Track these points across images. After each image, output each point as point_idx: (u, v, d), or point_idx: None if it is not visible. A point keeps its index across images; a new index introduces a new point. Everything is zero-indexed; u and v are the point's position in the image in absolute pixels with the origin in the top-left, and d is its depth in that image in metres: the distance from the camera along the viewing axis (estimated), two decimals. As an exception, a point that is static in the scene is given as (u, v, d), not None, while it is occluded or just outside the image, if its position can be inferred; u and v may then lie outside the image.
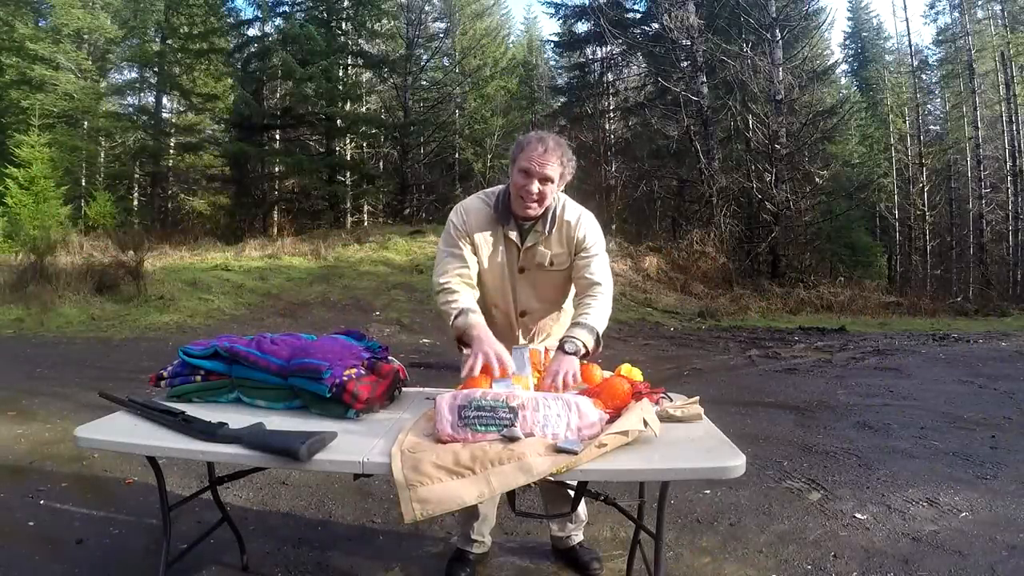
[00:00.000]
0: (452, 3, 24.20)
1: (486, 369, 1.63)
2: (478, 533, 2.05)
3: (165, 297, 8.87)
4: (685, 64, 15.22)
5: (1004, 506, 2.62)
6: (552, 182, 1.74)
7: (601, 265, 1.84)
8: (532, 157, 1.71)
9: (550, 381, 1.58)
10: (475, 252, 1.83)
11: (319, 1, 17.83)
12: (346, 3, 17.88)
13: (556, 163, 1.72)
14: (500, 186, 1.92)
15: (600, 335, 1.72)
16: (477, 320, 1.70)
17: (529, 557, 2.18)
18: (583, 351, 1.67)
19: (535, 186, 1.72)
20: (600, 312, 1.75)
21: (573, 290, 1.95)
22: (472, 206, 1.87)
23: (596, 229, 1.88)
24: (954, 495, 2.73)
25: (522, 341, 1.92)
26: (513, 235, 1.83)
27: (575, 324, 1.72)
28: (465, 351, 1.72)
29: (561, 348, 1.67)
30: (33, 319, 7.91)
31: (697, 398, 1.68)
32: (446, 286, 1.78)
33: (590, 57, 19.91)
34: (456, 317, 1.72)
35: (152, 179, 19.73)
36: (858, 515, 2.53)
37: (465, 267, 1.80)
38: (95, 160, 19.07)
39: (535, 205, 1.75)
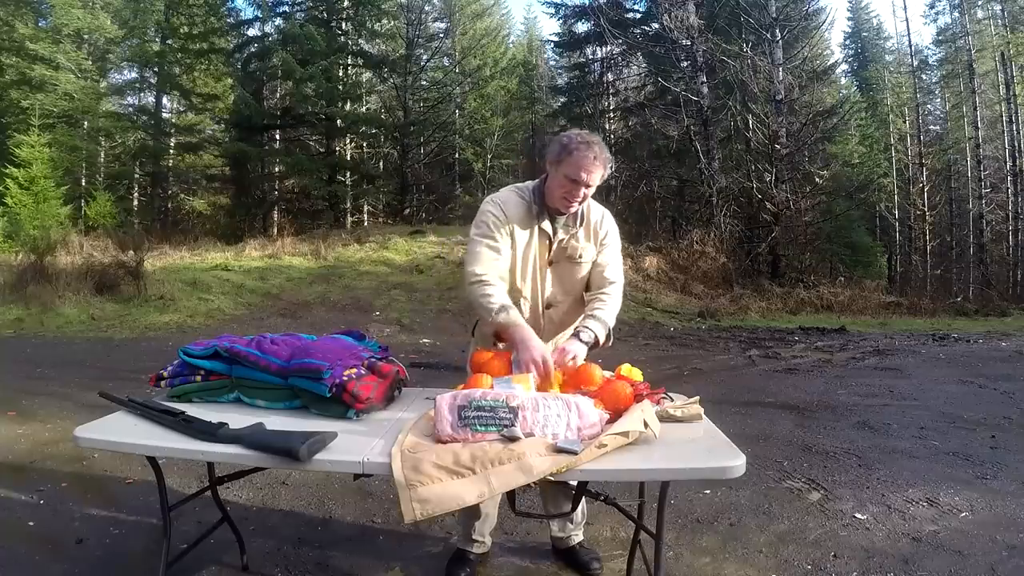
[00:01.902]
0: (452, 3, 24.21)
1: (489, 367, 1.67)
2: (479, 533, 2.05)
3: (165, 297, 8.87)
4: (685, 64, 15.21)
5: (1004, 506, 2.62)
6: (595, 186, 1.80)
7: (617, 263, 1.96)
8: (582, 165, 1.73)
9: (556, 356, 1.71)
10: (512, 243, 1.86)
11: (319, 1, 17.83)
12: (346, 3, 17.89)
13: (601, 169, 1.77)
14: (530, 182, 1.95)
15: (611, 330, 1.86)
16: (519, 319, 1.74)
17: (529, 557, 2.18)
18: (593, 342, 1.80)
19: (582, 191, 1.77)
20: (612, 308, 1.88)
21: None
22: (509, 198, 1.88)
23: (616, 228, 1.98)
24: (954, 495, 2.73)
25: (548, 332, 1.93)
26: (547, 228, 1.87)
27: (589, 316, 1.85)
28: (500, 345, 1.81)
29: (576, 336, 1.81)
30: (33, 319, 7.92)
31: (697, 398, 1.68)
32: (482, 278, 1.78)
33: (590, 57, 19.92)
34: (498, 313, 1.73)
35: (152, 179, 19.74)
36: (858, 515, 2.53)
37: (499, 259, 1.82)
38: (95, 160, 19.08)
39: (577, 205, 1.82)
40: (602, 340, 1.82)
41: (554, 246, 1.88)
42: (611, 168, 1.82)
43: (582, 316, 1.89)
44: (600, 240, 1.93)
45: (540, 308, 1.92)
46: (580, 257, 1.90)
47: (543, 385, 1.64)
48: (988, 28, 20.49)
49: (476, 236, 1.84)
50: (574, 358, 1.73)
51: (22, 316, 8.00)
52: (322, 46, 15.89)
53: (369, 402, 1.61)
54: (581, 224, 1.89)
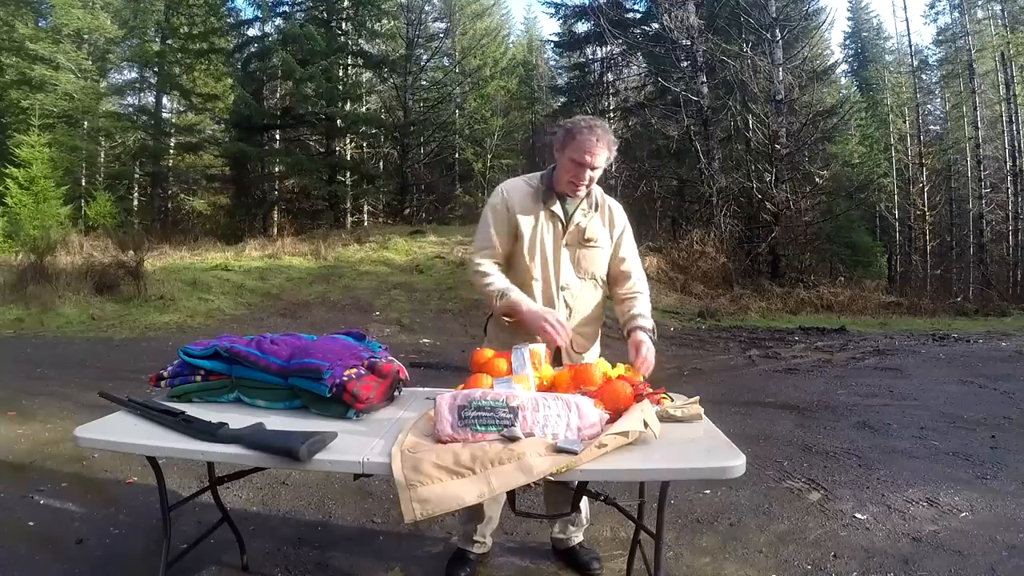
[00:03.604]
0: (452, 3, 24.21)
1: (489, 368, 1.68)
2: (480, 534, 2.05)
3: (165, 297, 8.87)
4: (685, 64, 15.19)
5: (1004, 506, 2.62)
6: (600, 168, 1.86)
7: (637, 256, 2.04)
8: (586, 148, 1.80)
9: (643, 355, 1.80)
10: (516, 228, 1.91)
11: (319, 1, 17.83)
12: (346, 3, 17.88)
13: (606, 151, 1.83)
14: (540, 172, 2.02)
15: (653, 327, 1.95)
16: (520, 296, 1.86)
17: (529, 557, 2.18)
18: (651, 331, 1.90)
19: (587, 174, 1.84)
20: (648, 303, 1.98)
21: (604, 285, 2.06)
22: (514, 186, 1.98)
23: (628, 222, 2.05)
24: (954, 495, 2.73)
25: (563, 313, 1.92)
26: (557, 211, 1.91)
27: (636, 315, 1.92)
28: (508, 320, 1.89)
29: (639, 328, 1.88)
30: (33, 319, 7.91)
31: (697, 398, 1.68)
32: (480, 268, 1.92)
33: (590, 57, 19.90)
34: (500, 297, 1.85)
35: (152, 179, 19.73)
36: (858, 515, 2.53)
37: (496, 249, 1.93)
38: (95, 160, 19.06)
39: (584, 189, 1.88)
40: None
41: (569, 229, 1.92)
42: (615, 148, 1.87)
43: (628, 315, 1.94)
44: (616, 234, 1.99)
45: (554, 289, 1.93)
46: (596, 241, 1.94)
47: (561, 339, 1.78)
48: (988, 28, 20.49)
49: (481, 223, 1.97)
50: (649, 350, 1.82)
51: (22, 316, 8.00)
52: (322, 46, 15.88)
53: (369, 402, 1.61)
54: (596, 209, 1.95)
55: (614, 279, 2.02)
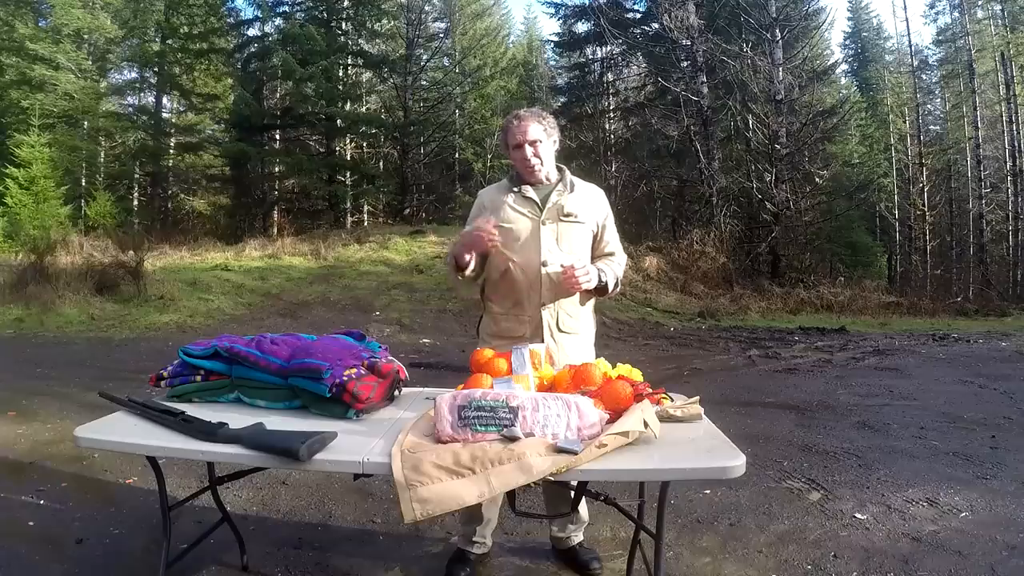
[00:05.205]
0: (452, 3, 24.20)
1: (489, 368, 1.68)
2: (479, 536, 2.05)
3: (165, 297, 8.87)
4: (685, 64, 15.20)
5: (1004, 506, 2.62)
6: (541, 141, 1.95)
7: (618, 240, 2.13)
8: (515, 132, 1.95)
9: (579, 267, 1.84)
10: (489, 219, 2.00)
11: (319, 1, 17.83)
12: (346, 3, 17.88)
13: (535, 124, 1.95)
14: None
15: (616, 283, 2.02)
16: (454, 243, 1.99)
17: (529, 557, 2.18)
18: (600, 281, 1.93)
19: (528, 150, 1.94)
20: (619, 266, 2.07)
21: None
22: (487, 188, 2.14)
23: (609, 207, 2.14)
24: (954, 495, 2.73)
25: (548, 291, 1.93)
26: (529, 193, 1.99)
27: (606, 265, 2.02)
28: (464, 274, 1.96)
29: (598, 267, 1.98)
30: (33, 319, 7.91)
31: (697, 398, 1.68)
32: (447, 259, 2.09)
33: (590, 57, 19.88)
34: (448, 257, 2.02)
35: (152, 179, 19.73)
36: (858, 515, 2.53)
37: None
38: (95, 160, 19.03)
39: (539, 165, 1.97)
40: (610, 284, 1.97)
41: (547, 206, 1.97)
42: (551, 122, 1.98)
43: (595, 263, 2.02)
44: (601, 219, 2.06)
45: (536, 266, 1.94)
46: (576, 216, 1.98)
47: (489, 235, 1.82)
48: (988, 28, 20.47)
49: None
50: (587, 272, 1.85)
51: (22, 316, 7.99)
52: (322, 46, 15.88)
53: (369, 402, 1.61)
54: (572, 191, 2.01)
55: (599, 255, 2.10)
